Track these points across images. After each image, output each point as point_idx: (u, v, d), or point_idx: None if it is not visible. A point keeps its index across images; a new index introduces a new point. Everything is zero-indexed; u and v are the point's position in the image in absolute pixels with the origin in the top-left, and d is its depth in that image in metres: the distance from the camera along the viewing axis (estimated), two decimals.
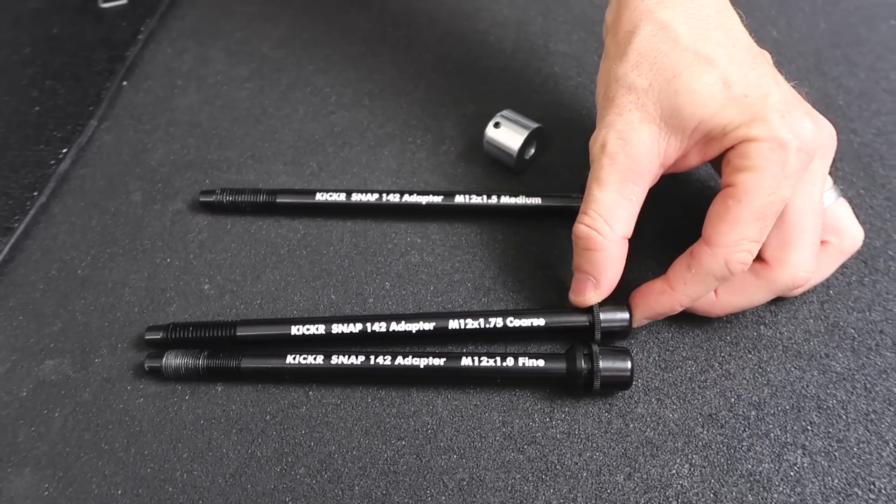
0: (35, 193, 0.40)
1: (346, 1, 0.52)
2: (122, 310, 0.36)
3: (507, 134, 0.39)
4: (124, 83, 0.47)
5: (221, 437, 0.32)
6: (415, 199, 0.38)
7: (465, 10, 0.51)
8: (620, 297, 0.33)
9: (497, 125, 0.40)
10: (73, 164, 0.42)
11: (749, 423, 0.32)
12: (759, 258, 0.32)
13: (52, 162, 0.42)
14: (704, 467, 0.31)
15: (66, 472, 0.31)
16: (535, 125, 0.39)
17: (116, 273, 0.37)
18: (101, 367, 0.34)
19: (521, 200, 0.38)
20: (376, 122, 0.44)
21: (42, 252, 0.38)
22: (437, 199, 0.38)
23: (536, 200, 0.38)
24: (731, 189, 0.29)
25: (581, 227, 0.32)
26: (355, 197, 0.38)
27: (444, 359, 0.32)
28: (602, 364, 0.31)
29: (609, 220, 0.31)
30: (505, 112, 0.40)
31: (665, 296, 0.32)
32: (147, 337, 0.34)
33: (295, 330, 0.34)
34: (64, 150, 0.42)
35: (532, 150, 0.41)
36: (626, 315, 0.33)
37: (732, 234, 0.29)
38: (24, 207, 0.40)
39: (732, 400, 0.32)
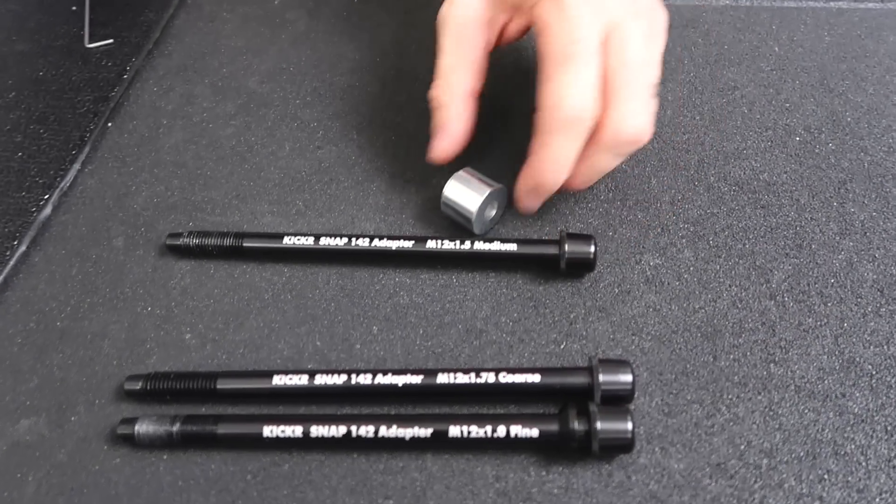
0: (15, 242, 0.39)
1: (335, 32, 0.51)
2: (101, 363, 0.35)
3: (465, 195, 0.37)
4: (109, 124, 0.46)
5: (200, 500, 0.30)
6: (399, 244, 0.36)
7: None
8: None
9: (452, 189, 0.37)
10: (55, 211, 0.41)
11: (761, 473, 0.30)
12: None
13: (34, 209, 0.41)
14: None
15: None
16: (494, 186, 0.37)
17: (96, 324, 0.36)
18: (78, 425, 0.33)
19: (495, 247, 0.36)
20: (364, 157, 0.43)
21: (21, 304, 0.37)
22: (409, 244, 0.36)
23: (512, 247, 0.36)
24: (539, 57, 0.34)
25: (430, 93, 0.37)
26: (324, 241, 0.37)
27: (431, 429, 0.30)
28: (600, 426, 0.29)
29: (449, 79, 0.37)
30: (460, 173, 0.37)
31: (533, 162, 0.35)
32: (126, 387, 0.33)
33: (277, 380, 0.32)
34: (45, 197, 0.41)
35: (494, 212, 0.38)
36: (629, 377, 0.30)
37: (551, 84, 0.33)
38: (4, 257, 0.39)
39: (742, 447, 0.30)
